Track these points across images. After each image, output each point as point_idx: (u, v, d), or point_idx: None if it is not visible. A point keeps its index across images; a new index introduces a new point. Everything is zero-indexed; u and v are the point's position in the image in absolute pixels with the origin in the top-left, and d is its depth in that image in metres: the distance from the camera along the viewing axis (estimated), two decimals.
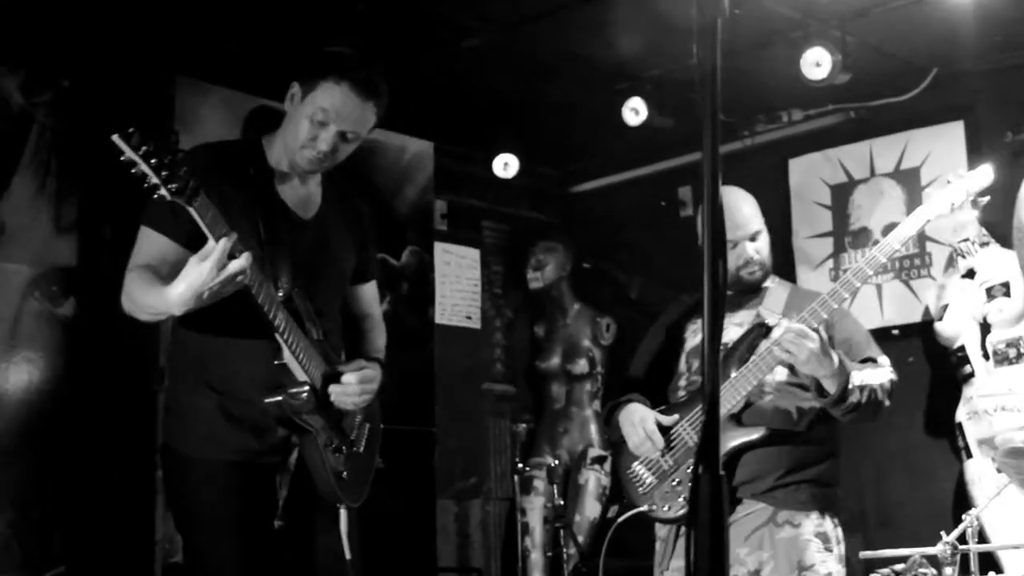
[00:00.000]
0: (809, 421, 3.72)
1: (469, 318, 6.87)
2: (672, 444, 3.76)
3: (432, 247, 6.53)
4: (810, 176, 6.28)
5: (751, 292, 3.89)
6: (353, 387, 3.17)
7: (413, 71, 5.27)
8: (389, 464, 3.64)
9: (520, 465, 6.18)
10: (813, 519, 3.65)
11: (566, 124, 6.39)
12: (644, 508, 3.78)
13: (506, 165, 6.59)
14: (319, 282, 3.22)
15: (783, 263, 6.02)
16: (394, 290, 6.17)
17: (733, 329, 3.79)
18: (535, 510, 6.44)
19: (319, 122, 3.09)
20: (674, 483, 3.73)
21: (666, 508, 3.72)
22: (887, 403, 3.65)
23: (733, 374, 3.65)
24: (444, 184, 6.61)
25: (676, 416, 3.78)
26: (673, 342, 4.01)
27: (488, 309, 7.07)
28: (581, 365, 6.78)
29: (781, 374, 3.71)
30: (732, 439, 3.64)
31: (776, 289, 3.92)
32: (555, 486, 5.93)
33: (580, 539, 6.26)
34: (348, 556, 3.24)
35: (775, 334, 3.61)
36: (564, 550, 5.84)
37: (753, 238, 3.87)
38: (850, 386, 3.52)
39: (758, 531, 3.62)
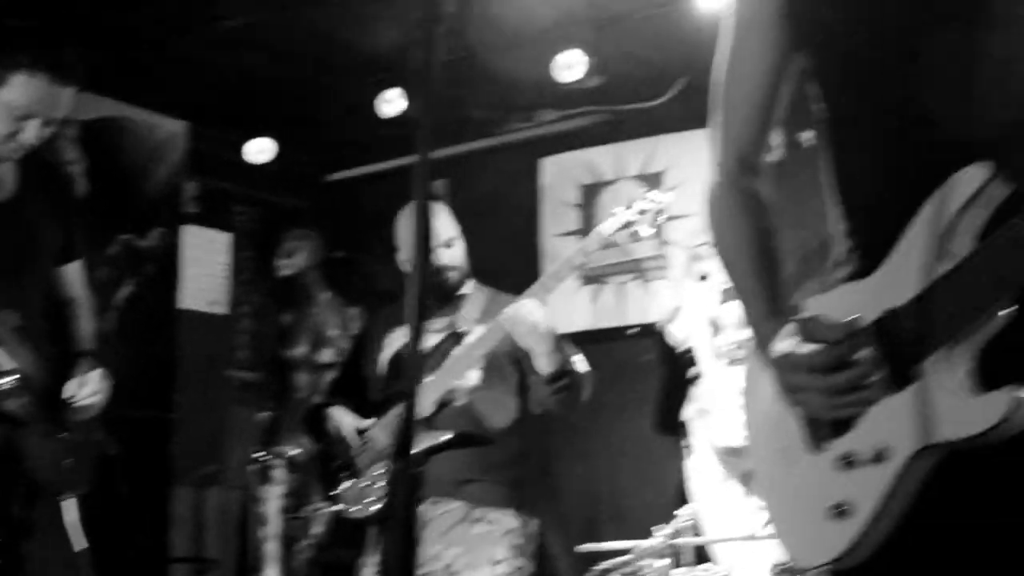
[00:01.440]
0: (506, 422, 3.90)
1: (215, 303, 6.74)
2: (365, 446, 3.89)
3: (180, 230, 6.37)
4: (561, 176, 6.43)
5: (448, 298, 4.05)
6: (87, 388, 3.09)
7: (170, 50, 5.13)
8: (123, 451, 3.54)
9: (260, 454, 6.11)
10: (508, 516, 3.80)
11: (324, 112, 6.34)
12: (338, 507, 3.91)
13: (261, 150, 6.50)
14: (16, 266, 3.09)
15: (530, 261, 6.18)
16: (138, 272, 5.98)
17: (430, 336, 3.92)
18: (272, 500, 6.37)
19: (18, 117, 2.97)
20: (366, 484, 3.83)
21: (358, 508, 3.83)
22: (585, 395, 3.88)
23: (426, 379, 3.79)
24: (197, 166, 6.45)
25: (372, 420, 3.94)
26: (363, 349, 4.23)
27: (236, 295, 6.94)
28: (327, 355, 6.74)
29: (474, 378, 3.88)
30: (422, 442, 3.73)
31: (474, 296, 4.08)
32: (294, 476, 5.89)
33: (316, 530, 6.23)
34: (77, 548, 3.14)
35: (469, 339, 3.83)
36: (301, 541, 5.80)
37: (448, 244, 4.05)
38: (567, 366, 3.72)
39: (453, 528, 3.75)
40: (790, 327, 1.66)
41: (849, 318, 1.60)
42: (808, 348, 1.61)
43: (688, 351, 5.45)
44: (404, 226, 4.21)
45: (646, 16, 5.23)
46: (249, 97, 6.10)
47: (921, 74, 1.63)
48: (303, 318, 6.92)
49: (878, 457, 1.56)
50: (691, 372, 5.41)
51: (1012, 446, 1.48)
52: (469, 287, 4.10)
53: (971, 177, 1.52)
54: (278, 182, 7.11)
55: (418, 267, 1.62)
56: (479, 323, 3.89)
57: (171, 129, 6.20)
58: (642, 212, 3.83)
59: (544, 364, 3.69)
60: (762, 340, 1.75)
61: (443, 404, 3.82)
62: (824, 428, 1.64)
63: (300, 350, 6.84)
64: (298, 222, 7.00)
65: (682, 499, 5.18)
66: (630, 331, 5.92)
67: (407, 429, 1.69)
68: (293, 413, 6.73)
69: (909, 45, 1.65)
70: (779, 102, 1.90)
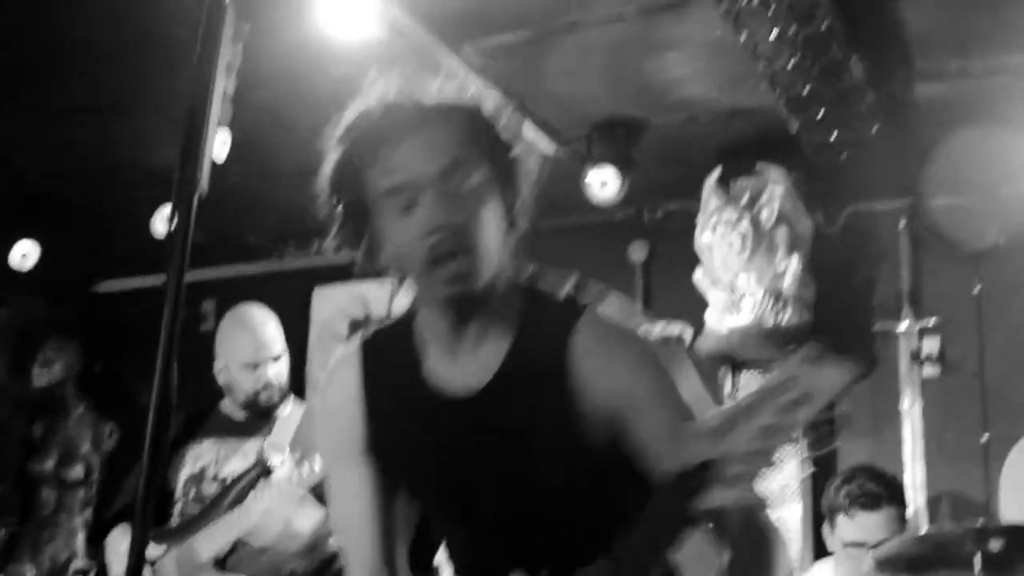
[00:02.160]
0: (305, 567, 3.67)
1: None
2: None
3: None
4: (332, 308, 6.50)
5: (265, 416, 3.81)
6: None
7: None
8: None
9: None
10: None
11: (97, 222, 6.26)
12: None
13: (24, 255, 6.35)
14: None
15: (298, 389, 6.18)
16: None
17: (237, 460, 3.73)
18: None
19: None
20: None
21: None
22: None
23: (225, 515, 3.56)
24: None
25: (164, 547, 3.64)
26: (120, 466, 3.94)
27: None
28: (76, 471, 6.52)
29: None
30: None
31: (288, 419, 3.84)
32: None
33: None
34: None
35: (276, 476, 3.58)
36: None
37: (276, 359, 3.85)
38: None
39: None
40: None
41: None
42: None
43: None
44: (225, 334, 3.97)
45: None
46: (16, 201, 5.98)
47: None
48: (54, 431, 6.70)
49: None
50: None
51: None
52: (288, 406, 3.88)
53: None
54: (41, 289, 6.93)
55: (161, 378, 1.61)
56: (291, 447, 3.66)
57: None
58: None
59: None
60: None
61: (237, 545, 3.56)
62: None
63: (48, 464, 6.60)
64: (59, 331, 6.82)
65: None
66: None
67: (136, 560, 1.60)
68: (36, 531, 6.47)
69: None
70: (398, 518, 2.07)
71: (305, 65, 4.51)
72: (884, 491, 4.11)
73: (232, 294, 6.61)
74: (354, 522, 2.03)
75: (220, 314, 6.61)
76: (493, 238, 1.87)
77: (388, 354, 2.04)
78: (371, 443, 2.02)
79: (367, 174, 1.90)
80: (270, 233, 6.36)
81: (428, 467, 1.99)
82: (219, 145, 4.78)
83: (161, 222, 5.89)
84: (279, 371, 3.87)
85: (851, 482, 4.13)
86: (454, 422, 1.94)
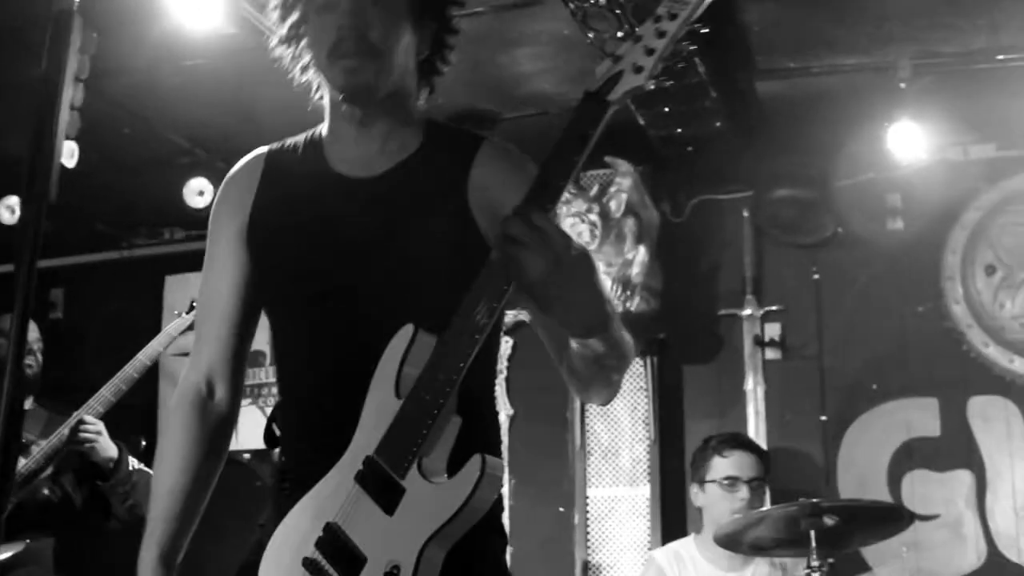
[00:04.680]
0: None
1: None
2: None
3: None
4: (184, 295, 6.43)
5: None
6: None
7: None
8: None
9: None
10: None
11: None
12: None
13: None
14: None
15: (151, 378, 6.11)
16: None
17: None
18: None
19: None
20: None
21: None
22: None
23: None
24: None
25: None
26: None
27: None
28: None
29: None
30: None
31: (34, 412, 4.25)
32: None
33: None
34: None
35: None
36: None
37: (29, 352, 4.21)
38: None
39: None
40: None
41: None
42: None
43: None
44: None
45: None
46: None
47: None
48: None
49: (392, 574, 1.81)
50: None
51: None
52: (28, 403, 4.19)
53: (404, 333, 1.91)
54: None
55: (11, 375, 1.63)
56: (41, 438, 4.07)
57: None
58: None
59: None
60: (142, 564, 2.09)
61: None
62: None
63: None
64: None
65: None
66: (244, 456, 5.95)
67: None
68: None
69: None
70: (252, 317, 2.22)
71: (155, 56, 4.47)
72: (752, 442, 4.75)
73: (81, 283, 6.53)
74: (214, 299, 2.18)
75: (69, 302, 6.55)
76: (397, 54, 2.07)
77: (293, 152, 2.20)
78: (254, 229, 2.14)
79: None
80: (119, 221, 6.26)
81: (308, 249, 2.09)
82: (67, 156, 4.76)
83: (6, 211, 5.76)
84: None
85: (721, 435, 4.67)
86: (350, 197, 2.10)
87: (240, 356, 2.22)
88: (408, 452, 1.83)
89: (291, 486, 2.02)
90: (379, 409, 1.90)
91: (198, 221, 6.13)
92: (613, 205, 5.29)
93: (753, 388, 5.47)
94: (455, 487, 1.80)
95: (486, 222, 2.04)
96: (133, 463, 4.27)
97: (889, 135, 4.94)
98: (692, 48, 4.27)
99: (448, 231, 2.05)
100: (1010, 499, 5.14)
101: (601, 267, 5.23)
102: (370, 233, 2.06)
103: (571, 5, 3.99)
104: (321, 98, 2.19)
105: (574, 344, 1.87)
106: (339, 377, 2.01)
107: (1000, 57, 4.70)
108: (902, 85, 4.74)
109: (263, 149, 2.23)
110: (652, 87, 1.81)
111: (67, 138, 1.87)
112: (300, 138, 2.23)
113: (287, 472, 2.09)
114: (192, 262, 6.39)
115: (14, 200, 5.73)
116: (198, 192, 5.46)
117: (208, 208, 5.44)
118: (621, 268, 5.28)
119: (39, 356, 4.47)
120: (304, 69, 2.17)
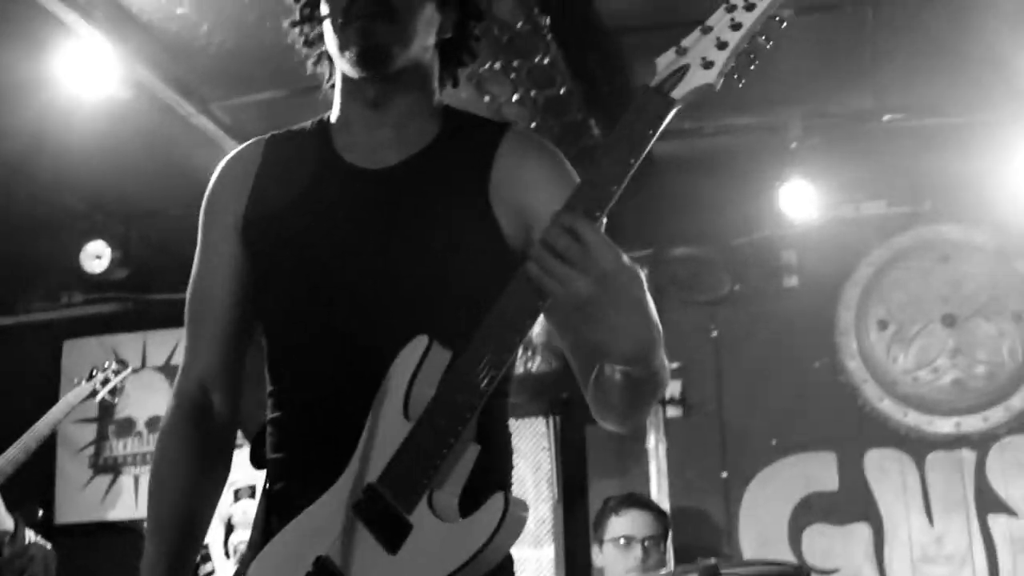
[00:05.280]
0: None
1: None
2: None
3: None
4: (82, 361, 6.33)
5: None
6: None
7: None
8: None
9: None
10: None
11: None
12: None
13: None
14: None
15: (48, 445, 6.00)
16: None
17: None
18: None
19: None
20: None
21: None
22: None
23: None
24: None
25: None
26: None
27: None
28: None
29: None
30: None
31: None
32: None
33: None
34: None
35: None
36: None
37: None
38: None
39: None
40: None
41: None
42: None
43: (204, 547, 5.44)
44: None
45: (180, 214, 5.36)
46: None
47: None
48: None
49: None
50: (204, 570, 5.40)
51: None
52: None
53: (416, 345, 1.69)
54: None
55: None
56: None
57: None
58: (105, 382, 4.07)
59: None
60: None
61: None
62: None
63: None
64: None
65: None
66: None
67: None
68: None
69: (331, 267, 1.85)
70: (245, 317, 1.97)
71: (51, 120, 4.42)
72: (649, 501, 4.73)
73: None
74: (207, 297, 1.96)
75: None
76: (417, 22, 1.88)
77: (296, 138, 2.00)
78: (249, 222, 1.93)
79: None
80: (15, 285, 6.15)
81: (307, 247, 1.88)
82: None
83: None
84: None
85: (619, 496, 4.64)
86: (357, 190, 1.89)
87: (239, 359, 1.98)
88: (418, 484, 1.60)
89: (277, 510, 1.81)
90: (384, 431, 1.67)
91: (96, 285, 6.08)
92: None
93: (655, 446, 5.50)
94: (472, 528, 1.57)
95: (509, 223, 1.85)
96: (30, 535, 4.17)
97: (782, 194, 5.04)
98: (585, 111, 4.34)
99: (466, 233, 1.84)
100: (907, 550, 5.22)
101: None
102: (378, 233, 1.84)
103: (466, 69, 4.02)
104: (332, 86, 2.00)
105: (609, 369, 1.68)
106: (339, 392, 1.78)
107: (886, 117, 4.83)
108: (793, 145, 4.85)
109: (263, 136, 2.04)
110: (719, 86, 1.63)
111: None
112: (307, 123, 2.02)
113: (272, 495, 1.86)
114: (91, 326, 6.38)
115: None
116: (95, 256, 5.37)
117: (106, 272, 5.45)
118: None
119: None
120: (319, 57, 2.01)
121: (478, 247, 1.83)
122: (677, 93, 1.60)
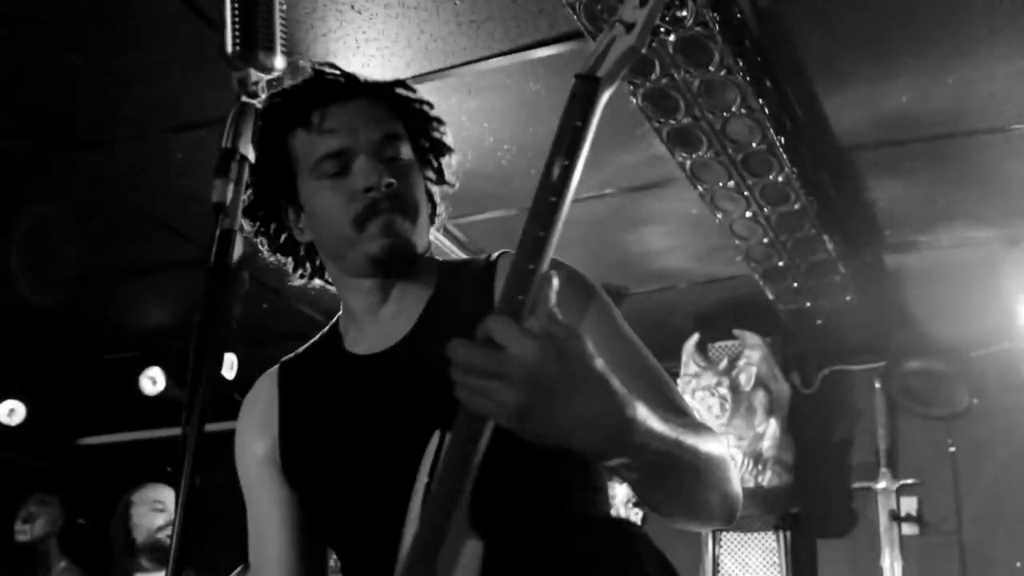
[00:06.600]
0: None
1: None
2: None
3: None
4: None
5: None
6: None
7: None
8: None
9: None
10: None
11: (82, 381, 6.33)
12: None
13: (12, 411, 6.40)
14: None
15: None
16: None
17: None
18: None
19: None
20: None
21: None
22: None
23: None
24: None
25: None
26: None
27: None
28: None
29: None
30: None
31: None
32: None
33: None
34: None
35: None
36: None
37: None
38: None
39: None
40: None
41: None
42: None
43: None
44: None
45: None
46: (4, 361, 6.07)
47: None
48: None
49: None
50: None
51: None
52: None
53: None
54: (27, 443, 6.96)
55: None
56: None
57: None
58: None
59: None
60: None
61: None
62: None
63: None
64: (42, 486, 6.81)
65: None
66: None
67: None
68: None
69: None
70: (306, 549, 1.88)
71: None
72: None
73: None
74: (264, 540, 1.87)
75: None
76: (423, 206, 1.80)
77: (307, 361, 1.91)
78: (287, 464, 1.84)
79: (297, 137, 1.80)
80: None
81: (354, 466, 1.76)
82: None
83: (147, 381, 5.98)
84: None
85: None
86: (363, 380, 1.79)
87: None
88: None
89: None
90: None
91: None
92: (743, 379, 5.28)
93: (890, 564, 5.33)
94: None
95: None
96: None
97: (1023, 307, 4.88)
98: (819, 227, 4.30)
99: None
100: None
101: (732, 441, 5.21)
102: (394, 420, 1.71)
103: (699, 188, 4.06)
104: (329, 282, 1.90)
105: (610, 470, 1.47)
106: None
107: None
108: None
109: (272, 368, 1.93)
110: (647, 49, 1.44)
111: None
112: (316, 337, 1.93)
113: None
114: None
115: (156, 371, 5.93)
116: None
117: None
118: (752, 442, 5.24)
119: None
120: (313, 270, 1.90)
121: None
122: (602, 71, 1.41)
